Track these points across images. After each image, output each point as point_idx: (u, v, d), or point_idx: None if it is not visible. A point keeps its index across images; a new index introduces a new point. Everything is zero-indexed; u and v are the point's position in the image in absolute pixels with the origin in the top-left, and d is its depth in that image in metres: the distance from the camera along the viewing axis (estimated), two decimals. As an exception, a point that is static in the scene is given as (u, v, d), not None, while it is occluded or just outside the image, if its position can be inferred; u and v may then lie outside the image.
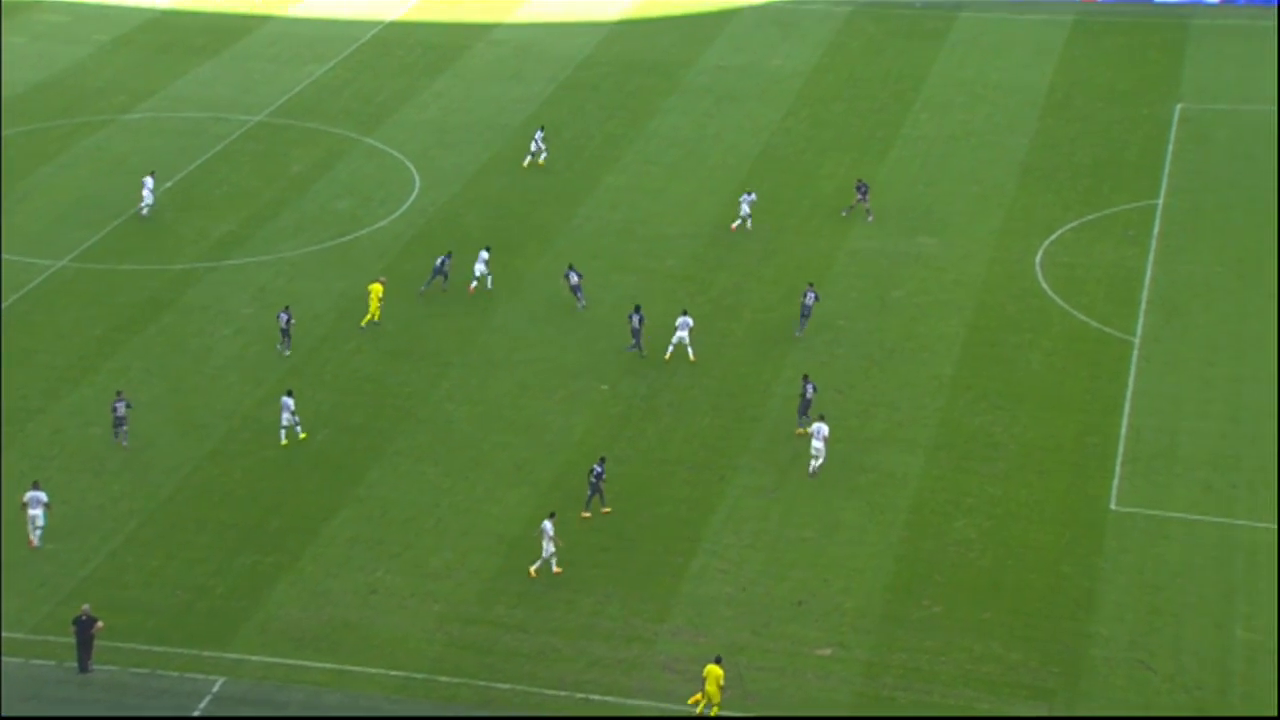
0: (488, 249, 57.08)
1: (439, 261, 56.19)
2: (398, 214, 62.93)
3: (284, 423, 47.96)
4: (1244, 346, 52.54)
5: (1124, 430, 48.09)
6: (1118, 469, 46.30)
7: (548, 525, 42.17)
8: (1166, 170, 64.94)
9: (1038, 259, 58.25)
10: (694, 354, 51.70)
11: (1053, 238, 59.76)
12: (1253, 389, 50.15)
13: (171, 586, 42.35)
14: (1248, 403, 49.46)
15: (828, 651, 39.71)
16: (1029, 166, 65.84)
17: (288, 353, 52.72)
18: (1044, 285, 56.54)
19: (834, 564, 42.75)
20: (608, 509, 44.65)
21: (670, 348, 51.84)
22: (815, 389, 48.11)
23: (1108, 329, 53.67)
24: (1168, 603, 41.11)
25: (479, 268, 56.32)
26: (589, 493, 44.60)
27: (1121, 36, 79.75)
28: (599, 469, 44.49)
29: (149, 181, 62.61)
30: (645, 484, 45.94)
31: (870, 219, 60.76)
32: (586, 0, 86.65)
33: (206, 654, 39.82)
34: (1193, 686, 38.42)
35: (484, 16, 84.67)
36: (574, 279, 55.28)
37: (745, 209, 60.30)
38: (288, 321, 52.78)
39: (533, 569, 42.40)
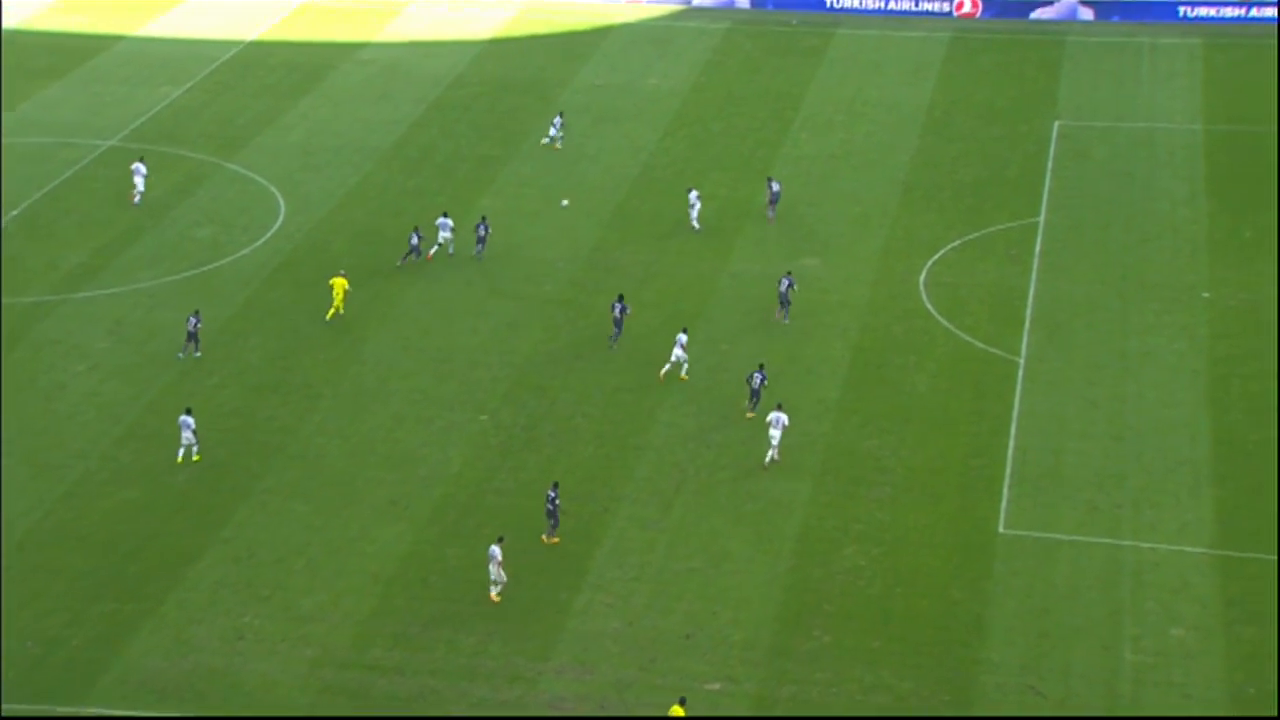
0: (446, 214, 58.82)
1: (413, 240, 57.27)
2: (262, 241, 60.91)
3: (184, 441, 46.67)
4: (1126, 364, 52.54)
5: (1010, 451, 47.76)
6: (1005, 491, 45.96)
7: (495, 550, 41.30)
8: (1047, 188, 65.09)
9: (921, 279, 57.90)
10: (674, 372, 51.30)
11: (936, 257, 59.48)
12: (1135, 407, 50.14)
13: (22, 638, 40.36)
14: (1130, 421, 49.40)
15: (717, 686, 38.88)
16: (910, 185, 65.59)
17: (188, 355, 51.88)
18: (928, 306, 56.15)
19: (722, 595, 41.88)
20: (555, 539, 43.75)
21: (668, 365, 51.00)
22: (765, 379, 48.66)
23: (992, 349, 53.38)
24: (1056, 626, 40.86)
25: (444, 235, 57.88)
26: (550, 520, 43.70)
27: (999, 54, 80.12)
28: (553, 494, 43.51)
29: (140, 167, 62.28)
30: (527, 517, 44.59)
31: (771, 221, 61.00)
32: (457, 19, 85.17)
33: (61, 710, 38.01)
34: (1082, 710, 38.20)
35: (350, 35, 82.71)
36: (481, 231, 58.58)
37: (699, 206, 61.71)
38: (196, 325, 51.94)
39: (494, 595, 41.62)
